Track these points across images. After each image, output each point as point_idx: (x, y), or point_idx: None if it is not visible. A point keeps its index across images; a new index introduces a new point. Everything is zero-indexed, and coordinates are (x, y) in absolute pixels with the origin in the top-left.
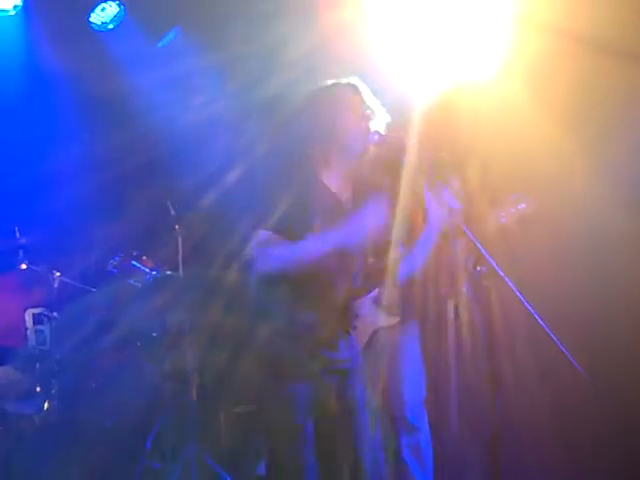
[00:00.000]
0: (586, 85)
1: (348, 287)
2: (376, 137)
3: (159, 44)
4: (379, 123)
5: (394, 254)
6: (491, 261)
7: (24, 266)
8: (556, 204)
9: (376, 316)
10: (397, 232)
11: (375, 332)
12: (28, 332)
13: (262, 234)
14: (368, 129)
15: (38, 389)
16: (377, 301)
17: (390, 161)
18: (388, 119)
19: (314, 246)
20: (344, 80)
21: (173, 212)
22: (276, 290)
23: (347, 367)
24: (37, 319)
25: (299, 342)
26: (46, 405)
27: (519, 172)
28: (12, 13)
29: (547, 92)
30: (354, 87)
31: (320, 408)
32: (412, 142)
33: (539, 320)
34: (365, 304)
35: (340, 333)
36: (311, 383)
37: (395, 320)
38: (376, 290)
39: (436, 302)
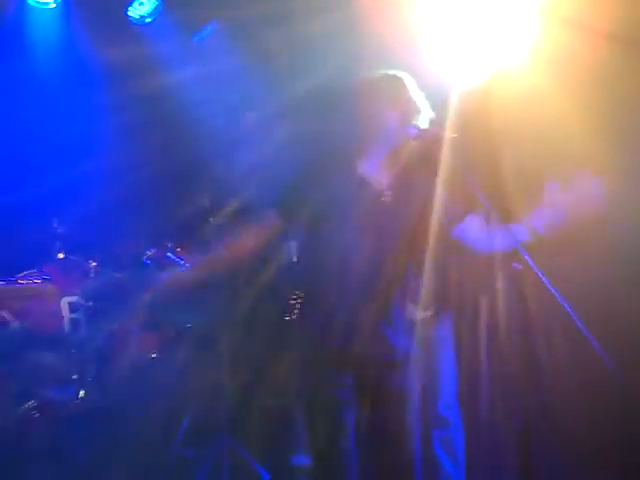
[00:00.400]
0: (616, 80)
1: (384, 284)
2: (415, 131)
3: (195, 39)
4: (422, 118)
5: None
6: (527, 257)
7: (61, 255)
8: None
9: (410, 309)
10: (434, 226)
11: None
12: (64, 320)
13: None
14: (408, 123)
15: (75, 376)
16: (411, 295)
17: (428, 155)
18: (432, 115)
19: None
20: (391, 72)
21: (207, 204)
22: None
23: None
24: (73, 308)
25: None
26: (82, 392)
27: (553, 167)
28: (52, 6)
29: (577, 87)
30: (400, 80)
31: (363, 400)
32: (449, 136)
33: (574, 318)
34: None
35: (382, 327)
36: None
37: (429, 313)
38: (410, 284)
39: (471, 298)
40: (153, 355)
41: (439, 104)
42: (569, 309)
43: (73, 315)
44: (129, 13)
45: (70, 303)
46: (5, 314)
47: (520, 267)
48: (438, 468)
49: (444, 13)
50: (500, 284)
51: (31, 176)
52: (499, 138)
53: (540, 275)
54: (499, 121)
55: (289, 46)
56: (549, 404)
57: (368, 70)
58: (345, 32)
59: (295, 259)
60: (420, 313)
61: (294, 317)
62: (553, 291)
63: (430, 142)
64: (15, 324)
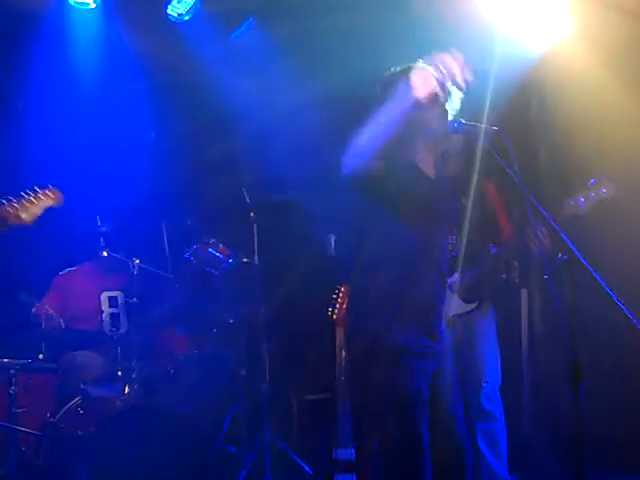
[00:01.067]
0: None
1: (428, 272)
2: (455, 125)
3: (232, 36)
4: (460, 112)
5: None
6: (572, 247)
7: (105, 253)
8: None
9: (450, 303)
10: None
11: (450, 319)
12: (103, 315)
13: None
14: (447, 117)
15: (119, 373)
16: (452, 288)
17: (466, 149)
18: (472, 109)
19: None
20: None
21: (248, 200)
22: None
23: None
24: (112, 302)
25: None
26: (127, 389)
27: (597, 154)
28: (92, 6)
29: (631, 75)
30: None
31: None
32: (489, 129)
33: (625, 310)
34: None
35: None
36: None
37: (471, 307)
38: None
39: (513, 290)
40: (195, 351)
41: (479, 97)
42: (618, 300)
43: (113, 310)
44: (168, 11)
45: (110, 297)
46: (51, 310)
47: (566, 258)
48: (480, 461)
49: (484, 6)
50: (544, 276)
51: (72, 174)
52: (539, 130)
53: (587, 265)
54: (540, 113)
55: (324, 40)
56: (598, 400)
57: (406, 63)
58: (384, 26)
59: (333, 253)
60: (460, 306)
61: (335, 311)
62: (601, 281)
63: (470, 135)
64: (60, 321)
